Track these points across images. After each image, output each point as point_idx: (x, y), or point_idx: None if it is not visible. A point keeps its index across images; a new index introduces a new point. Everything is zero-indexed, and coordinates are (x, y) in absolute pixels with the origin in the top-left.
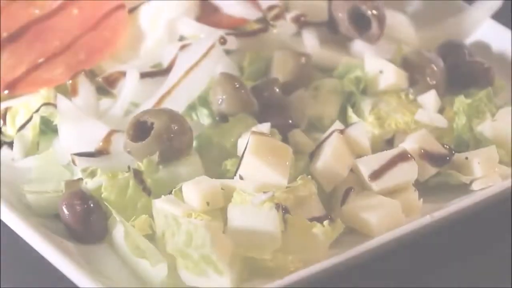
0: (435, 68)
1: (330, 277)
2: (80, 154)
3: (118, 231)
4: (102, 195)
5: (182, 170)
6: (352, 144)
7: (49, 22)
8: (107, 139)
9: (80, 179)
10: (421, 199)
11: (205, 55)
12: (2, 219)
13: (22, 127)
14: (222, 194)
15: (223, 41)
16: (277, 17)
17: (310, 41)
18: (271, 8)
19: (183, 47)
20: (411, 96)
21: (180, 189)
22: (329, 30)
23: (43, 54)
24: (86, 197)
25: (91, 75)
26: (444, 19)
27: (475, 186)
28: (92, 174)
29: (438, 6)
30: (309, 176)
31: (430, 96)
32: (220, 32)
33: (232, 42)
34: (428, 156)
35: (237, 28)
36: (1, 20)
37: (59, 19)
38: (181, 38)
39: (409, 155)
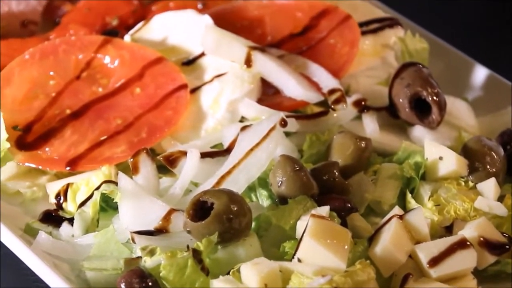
0: (495, 156)
1: None
2: (140, 232)
3: None
4: (161, 274)
5: (241, 251)
6: (411, 230)
7: (112, 100)
8: (167, 218)
9: (139, 257)
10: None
11: (265, 136)
12: None
13: (82, 204)
14: (280, 277)
15: (283, 123)
16: (338, 101)
17: (370, 126)
18: (332, 91)
19: (244, 128)
20: (470, 183)
21: (238, 270)
22: (389, 114)
23: (105, 131)
24: (144, 276)
25: (152, 153)
26: (504, 107)
27: None
28: (151, 252)
29: (498, 94)
30: (368, 261)
31: (490, 184)
32: (281, 114)
33: (293, 125)
34: (487, 244)
35: (297, 110)
36: (65, 98)
37: (121, 98)
38: (242, 119)
39: (468, 243)
